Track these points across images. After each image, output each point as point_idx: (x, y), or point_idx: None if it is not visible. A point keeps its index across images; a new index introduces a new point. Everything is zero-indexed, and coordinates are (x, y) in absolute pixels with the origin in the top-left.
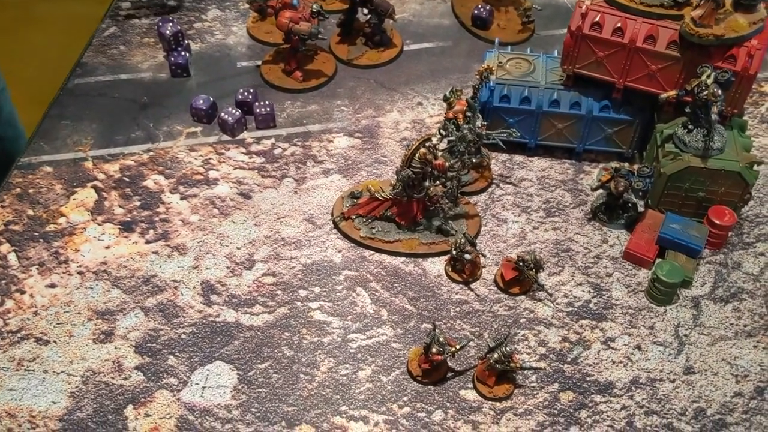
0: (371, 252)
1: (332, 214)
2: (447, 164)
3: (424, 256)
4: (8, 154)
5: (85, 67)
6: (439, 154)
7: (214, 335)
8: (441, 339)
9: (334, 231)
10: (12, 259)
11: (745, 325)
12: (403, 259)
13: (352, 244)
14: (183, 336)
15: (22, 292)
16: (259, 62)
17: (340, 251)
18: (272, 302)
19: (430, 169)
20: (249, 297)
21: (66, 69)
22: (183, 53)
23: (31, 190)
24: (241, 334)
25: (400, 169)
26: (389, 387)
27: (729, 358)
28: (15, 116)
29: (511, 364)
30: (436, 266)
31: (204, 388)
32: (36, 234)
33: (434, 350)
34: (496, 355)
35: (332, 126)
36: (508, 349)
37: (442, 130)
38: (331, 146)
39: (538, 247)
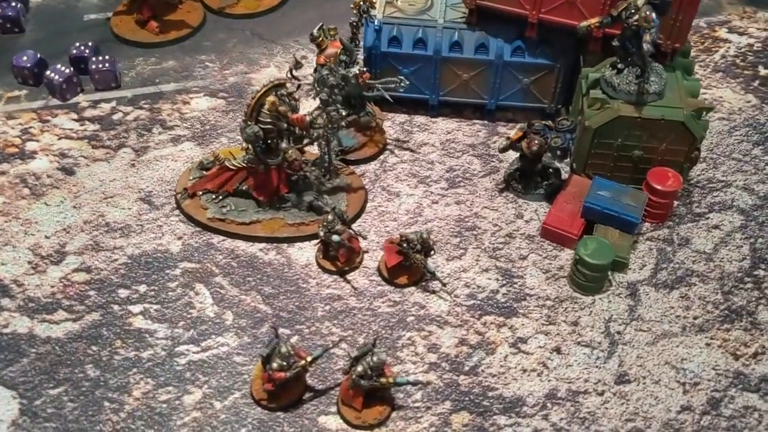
0: (221, 237)
1: (176, 191)
2: (309, 118)
3: (290, 240)
4: None
5: None
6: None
7: None
8: (284, 350)
9: (176, 212)
10: None
11: (695, 318)
12: (262, 245)
13: (198, 228)
14: None
15: None
16: (110, 14)
17: (180, 238)
18: (81, 306)
19: (285, 125)
20: (51, 300)
21: None
22: (14, 4)
23: None
24: (33, 350)
25: (243, 125)
26: (223, 416)
27: (674, 361)
28: None
29: (381, 380)
30: (305, 253)
31: None
32: None
33: (275, 365)
34: (360, 369)
35: (191, 85)
36: (376, 359)
37: (289, 74)
38: (186, 109)
39: (437, 226)
